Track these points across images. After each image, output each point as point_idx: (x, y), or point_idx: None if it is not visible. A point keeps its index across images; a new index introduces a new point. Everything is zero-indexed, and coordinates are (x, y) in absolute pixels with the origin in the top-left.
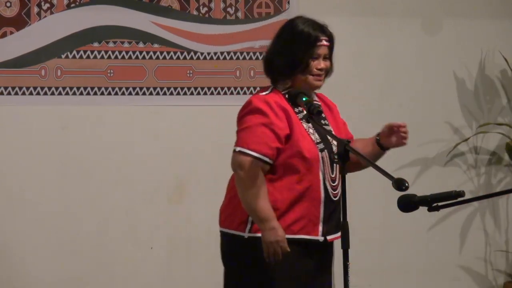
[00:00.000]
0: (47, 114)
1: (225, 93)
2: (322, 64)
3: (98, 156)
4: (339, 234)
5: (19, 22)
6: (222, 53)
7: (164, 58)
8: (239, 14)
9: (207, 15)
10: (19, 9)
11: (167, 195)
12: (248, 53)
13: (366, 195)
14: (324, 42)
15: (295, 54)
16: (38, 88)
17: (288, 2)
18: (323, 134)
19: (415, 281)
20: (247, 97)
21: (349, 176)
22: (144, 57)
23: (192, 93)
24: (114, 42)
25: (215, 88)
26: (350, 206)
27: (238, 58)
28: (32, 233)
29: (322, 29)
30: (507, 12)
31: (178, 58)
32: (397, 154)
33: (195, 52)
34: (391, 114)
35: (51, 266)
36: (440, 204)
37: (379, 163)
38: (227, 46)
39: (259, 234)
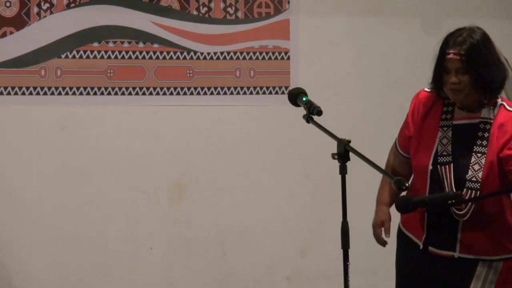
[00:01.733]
0: (47, 114)
1: (225, 93)
2: (453, 78)
3: (98, 156)
4: (449, 252)
5: (19, 22)
6: (222, 53)
7: (164, 58)
8: (239, 14)
9: (207, 15)
10: (19, 9)
11: (167, 195)
12: (248, 53)
13: (366, 195)
14: (452, 56)
15: (434, 67)
16: (38, 88)
17: (288, 2)
18: (465, 151)
19: None
20: (247, 97)
21: (349, 176)
22: (144, 57)
23: (192, 93)
24: (114, 42)
25: (215, 88)
26: (350, 206)
27: (238, 58)
28: (32, 233)
29: (454, 42)
30: (507, 12)
31: (178, 58)
32: None
33: (195, 52)
34: (390, 114)
35: (51, 266)
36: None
37: (379, 162)
38: (227, 46)
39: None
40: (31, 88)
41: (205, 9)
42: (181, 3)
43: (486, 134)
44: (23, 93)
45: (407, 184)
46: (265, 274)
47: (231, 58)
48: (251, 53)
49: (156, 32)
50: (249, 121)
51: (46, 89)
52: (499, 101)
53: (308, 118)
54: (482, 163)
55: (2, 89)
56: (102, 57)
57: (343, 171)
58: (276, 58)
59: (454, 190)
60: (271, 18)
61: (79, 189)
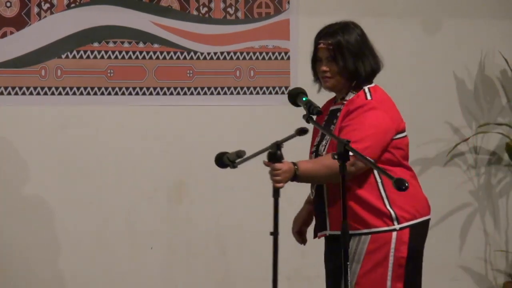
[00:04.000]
0: (47, 114)
1: (225, 93)
2: (323, 66)
3: (98, 156)
4: (322, 232)
5: (19, 22)
6: (222, 53)
7: (164, 58)
8: (239, 14)
9: (207, 15)
10: (19, 9)
11: (167, 195)
12: (248, 53)
13: None
14: (322, 45)
15: (311, 59)
16: (38, 88)
17: (288, 2)
18: (323, 135)
19: None
20: (247, 97)
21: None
22: (144, 57)
23: (192, 93)
24: (114, 42)
25: (215, 88)
26: None
27: (238, 58)
28: (32, 233)
29: (326, 33)
30: (507, 12)
31: (178, 58)
32: None
33: (195, 52)
34: None
35: (51, 266)
36: (238, 160)
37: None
38: (227, 46)
39: None
40: (31, 88)
41: (205, 9)
42: (181, 3)
43: (338, 114)
44: (23, 93)
45: (406, 184)
46: (265, 274)
47: (231, 58)
48: (251, 53)
49: (156, 32)
50: (249, 121)
51: (46, 89)
52: (367, 86)
53: (308, 118)
54: (327, 139)
55: (2, 89)
56: (102, 57)
57: (343, 171)
58: (276, 58)
59: None
60: (271, 18)
61: (79, 189)
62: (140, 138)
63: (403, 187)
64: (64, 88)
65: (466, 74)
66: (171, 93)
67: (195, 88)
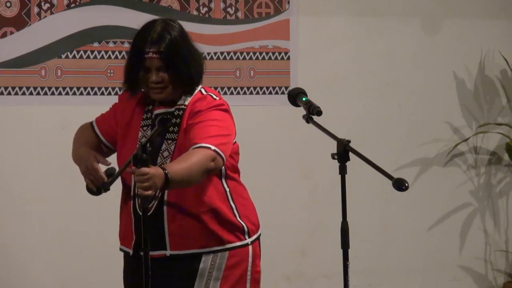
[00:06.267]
0: (47, 114)
1: (225, 93)
2: (154, 76)
3: None
4: (161, 252)
5: (19, 22)
6: (222, 53)
7: None
8: (239, 14)
9: (207, 15)
10: (19, 9)
11: None
12: (248, 53)
13: (366, 195)
14: (151, 55)
15: (127, 66)
16: (38, 88)
17: (288, 2)
18: (159, 140)
19: (415, 281)
20: (247, 97)
21: (349, 176)
22: None
23: None
24: (114, 42)
25: (215, 88)
26: (349, 206)
27: (238, 58)
28: (32, 233)
29: (152, 40)
30: (507, 12)
31: None
32: (397, 154)
33: None
34: (390, 114)
35: (51, 266)
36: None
37: (379, 162)
38: (227, 46)
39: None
40: (31, 88)
41: (205, 9)
42: (181, 3)
43: (178, 120)
44: (23, 93)
45: (406, 184)
46: (265, 274)
47: (231, 58)
48: (251, 53)
49: None
50: (249, 121)
51: (46, 89)
52: (199, 88)
53: (308, 118)
54: (171, 150)
55: (2, 89)
56: (102, 57)
57: (342, 171)
58: (276, 58)
59: None
60: (271, 18)
61: (79, 189)
62: None
63: (403, 187)
64: (64, 88)
65: (466, 74)
66: None
67: None
